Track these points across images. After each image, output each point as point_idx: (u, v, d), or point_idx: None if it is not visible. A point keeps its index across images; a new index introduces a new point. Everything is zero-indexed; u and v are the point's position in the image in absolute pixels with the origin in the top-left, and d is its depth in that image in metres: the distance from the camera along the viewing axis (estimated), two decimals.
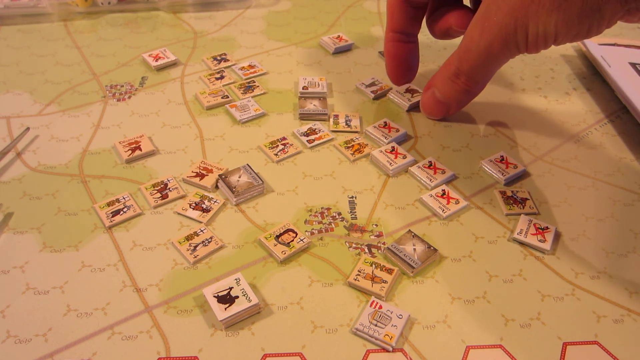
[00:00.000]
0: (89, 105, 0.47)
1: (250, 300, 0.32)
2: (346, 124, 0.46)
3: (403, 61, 0.47)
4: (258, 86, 0.50)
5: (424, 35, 0.57)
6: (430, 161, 0.42)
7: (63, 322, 0.31)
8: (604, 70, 0.51)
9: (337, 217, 0.38)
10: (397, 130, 0.45)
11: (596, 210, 0.40)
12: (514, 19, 0.35)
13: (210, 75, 0.51)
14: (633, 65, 0.52)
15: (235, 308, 0.31)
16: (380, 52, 0.56)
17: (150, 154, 0.43)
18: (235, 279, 0.33)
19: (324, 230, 0.37)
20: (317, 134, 0.45)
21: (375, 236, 0.37)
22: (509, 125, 0.47)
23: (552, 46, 0.37)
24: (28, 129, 0.44)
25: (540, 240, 0.37)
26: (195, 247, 0.36)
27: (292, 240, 0.36)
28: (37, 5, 0.58)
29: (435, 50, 0.56)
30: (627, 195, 0.41)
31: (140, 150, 0.42)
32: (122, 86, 0.50)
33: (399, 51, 0.46)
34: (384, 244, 0.37)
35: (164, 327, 0.31)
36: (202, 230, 0.37)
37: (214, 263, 0.35)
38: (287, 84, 0.51)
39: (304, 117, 0.47)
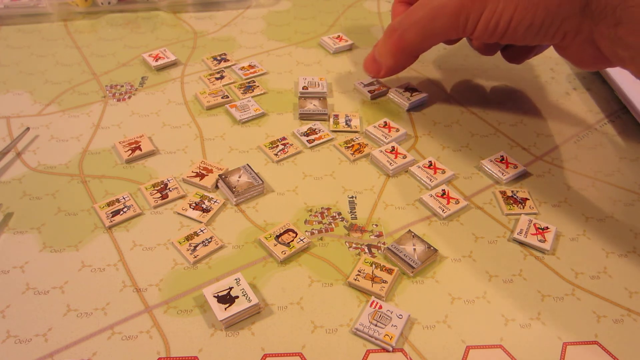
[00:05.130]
0: (89, 105, 0.47)
1: (250, 300, 0.32)
2: (346, 124, 0.46)
3: None
4: (258, 86, 0.50)
5: None
6: (430, 161, 0.42)
7: (63, 322, 0.31)
8: (604, 70, 0.51)
9: (337, 217, 0.38)
10: (397, 130, 0.45)
11: (596, 210, 0.40)
12: None
13: (210, 75, 0.51)
14: None
15: (235, 308, 0.31)
16: None
17: (150, 154, 0.43)
18: (235, 279, 0.33)
19: (324, 230, 0.37)
20: (317, 134, 0.45)
21: (375, 236, 0.37)
22: (509, 125, 0.47)
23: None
24: (28, 129, 0.44)
25: (540, 240, 0.37)
26: (195, 247, 0.36)
27: (292, 240, 0.36)
28: (37, 5, 0.58)
29: (435, 49, 0.56)
30: (627, 195, 0.41)
31: (140, 150, 0.42)
32: (122, 86, 0.50)
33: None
34: (384, 244, 0.37)
35: (164, 327, 0.31)
36: (202, 230, 0.37)
37: (214, 263, 0.35)
38: (287, 84, 0.51)
39: (304, 117, 0.47)
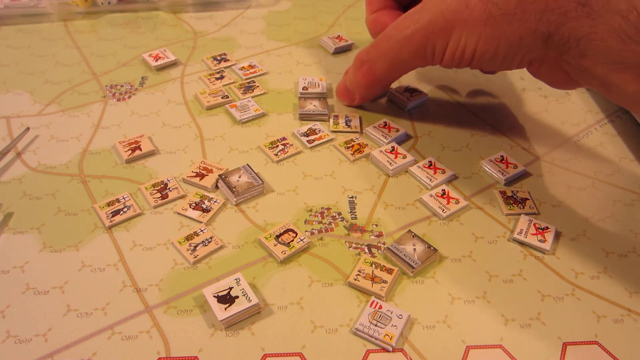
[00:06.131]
0: (89, 105, 0.47)
1: (250, 300, 0.32)
2: (346, 124, 0.46)
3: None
4: (258, 86, 0.50)
5: None
6: (430, 161, 0.42)
7: (63, 322, 0.31)
8: None
9: (337, 217, 0.38)
10: (397, 130, 0.45)
11: (596, 210, 0.40)
12: (444, 19, 0.36)
13: (210, 75, 0.51)
14: None
15: (235, 308, 0.31)
16: None
17: (150, 154, 0.43)
18: (235, 279, 0.33)
19: (324, 230, 0.37)
20: (317, 134, 0.45)
21: (375, 236, 0.37)
22: (509, 125, 0.47)
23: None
24: (28, 129, 0.44)
25: (540, 240, 0.37)
26: (195, 247, 0.36)
27: (292, 240, 0.36)
28: (37, 5, 0.58)
29: None
30: (627, 195, 0.41)
31: (140, 150, 0.42)
32: (122, 86, 0.50)
33: (385, 24, 0.44)
34: (384, 244, 0.37)
35: (164, 327, 0.31)
36: (202, 230, 0.37)
37: (214, 263, 0.35)
38: (287, 84, 0.51)
39: (304, 117, 0.47)
